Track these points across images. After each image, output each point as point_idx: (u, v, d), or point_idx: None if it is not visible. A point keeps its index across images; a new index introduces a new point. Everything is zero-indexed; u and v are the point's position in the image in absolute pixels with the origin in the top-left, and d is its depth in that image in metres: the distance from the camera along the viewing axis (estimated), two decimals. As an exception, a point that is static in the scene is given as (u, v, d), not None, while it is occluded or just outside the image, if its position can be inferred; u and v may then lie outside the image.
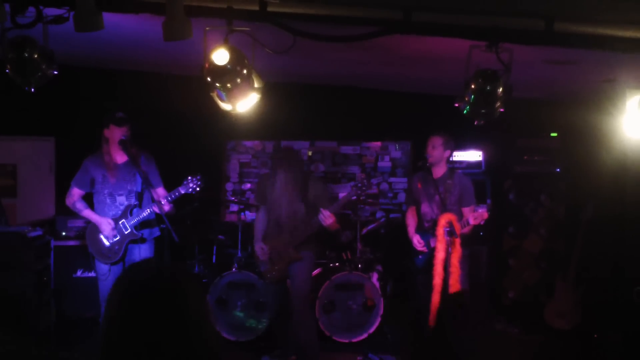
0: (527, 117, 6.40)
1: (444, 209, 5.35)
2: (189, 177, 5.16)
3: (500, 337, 6.74)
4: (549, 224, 7.10)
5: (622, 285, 6.17)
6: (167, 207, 5.16)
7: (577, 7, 3.70)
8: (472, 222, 5.24)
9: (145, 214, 5.21)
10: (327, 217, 5.14)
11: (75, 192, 5.40)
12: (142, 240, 5.31)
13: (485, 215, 5.20)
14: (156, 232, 5.49)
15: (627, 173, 6.04)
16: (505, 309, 7.17)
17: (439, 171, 5.59)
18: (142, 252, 5.33)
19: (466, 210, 5.45)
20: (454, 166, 5.62)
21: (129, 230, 5.22)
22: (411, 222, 5.78)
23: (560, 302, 6.55)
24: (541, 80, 5.40)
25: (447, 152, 5.58)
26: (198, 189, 5.16)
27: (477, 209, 5.30)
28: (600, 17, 3.83)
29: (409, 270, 5.89)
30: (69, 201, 5.42)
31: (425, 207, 5.61)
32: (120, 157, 5.30)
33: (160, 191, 5.33)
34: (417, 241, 5.59)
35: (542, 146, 7.25)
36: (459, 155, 7.12)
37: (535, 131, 7.20)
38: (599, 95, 4.88)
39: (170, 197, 5.19)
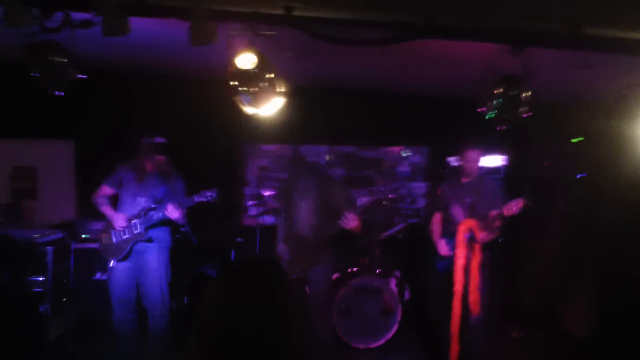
0: (548, 122, 6.36)
1: (473, 213, 5.32)
2: (207, 190, 5.23)
3: (517, 343, 6.70)
4: (566, 228, 7.05)
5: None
6: (177, 214, 5.22)
7: (601, 10, 3.69)
8: (506, 213, 5.12)
9: (157, 217, 5.30)
10: (350, 220, 5.13)
11: (104, 189, 5.52)
12: (149, 240, 5.36)
13: (520, 203, 5.06)
14: (168, 238, 5.54)
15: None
16: (522, 314, 7.13)
17: (472, 174, 5.55)
18: (149, 253, 5.39)
19: (493, 214, 5.40)
20: (484, 171, 5.58)
21: (139, 230, 5.32)
22: (436, 227, 5.74)
23: (578, 308, 6.50)
24: (563, 84, 5.38)
25: (481, 160, 5.57)
26: (213, 200, 5.22)
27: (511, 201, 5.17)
28: (623, 21, 3.81)
29: (428, 276, 5.86)
30: (94, 196, 5.52)
31: (456, 210, 5.56)
32: (152, 168, 5.44)
33: (181, 203, 5.38)
34: (443, 245, 5.55)
35: (563, 151, 7.21)
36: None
37: (556, 135, 7.16)
38: (622, 100, 4.84)
39: (185, 204, 5.26)
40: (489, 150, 6.04)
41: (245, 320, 1.66)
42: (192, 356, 1.69)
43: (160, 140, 5.36)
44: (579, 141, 7.09)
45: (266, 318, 1.67)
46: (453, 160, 7.30)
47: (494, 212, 5.18)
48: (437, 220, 5.77)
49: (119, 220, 5.35)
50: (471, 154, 5.50)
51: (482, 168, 5.60)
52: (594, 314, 6.42)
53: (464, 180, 5.56)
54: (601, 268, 6.48)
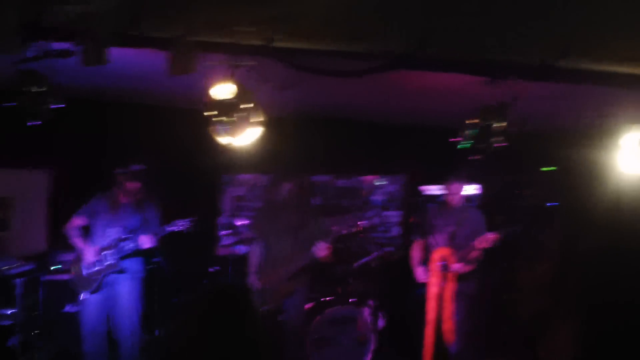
0: (522, 151, 6.47)
1: (452, 243, 5.35)
2: (180, 220, 5.25)
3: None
4: (544, 257, 7.11)
5: (621, 319, 6.16)
6: (149, 244, 5.21)
7: (575, 44, 3.78)
8: (477, 245, 5.22)
9: (129, 248, 5.26)
10: (321, 250, 5.13)
11: (75, 220, 5.46)
12: (121, 272, 5.31)
13: (492, 237, 5.19)
14: (141, 269, 5.50)
15: (622, 207, 6.09)
16: (501, 344, 7.13)
17: (454, 204, 5.62)
18: (122, 285, 5.35)
19: (469, 246, 5.46)
20: (469, 201, 5.68)
21: (110, 261, 5.27)
22: (416, 254, 5.76)
23: (558, 338, 6.53)
24: (538, 115, 5.47)
25: (464, 192, 5.64)
26: (186, 229, 5.24)
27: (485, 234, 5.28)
28: (597, 54, 3.91)
29: (402, 305, 5.87)
30: (66, 227, 5.46)
31: (436, 239, 5.59)
32: (127, 199, 5.39)
33: (154, 233, 5.34)
34: (422, 272, 5.56)
35: (538, 180, 7.32)
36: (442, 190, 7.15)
37: (530, 165, 7.26)
38: (596, 130, 4.95)
39: (158, 234, 5.25)
40: (466, 179, 6.12)
41: (214, 350, 1.64)
42: None
43: (135, 167, 5.33)
44: (552, 170, 7.20)
45: (235, 348, 1.65)
46: (427, 190, 7.36)
47: (470, 245, 5.27)
48: (417, 247, 5.79)
49: (89, 253, 5.30)
50: (454, 186, 5.57)
51: (464, 199, 5.67)
52: (575, 344, 6.45)
53: (447, 209, 5.61)
54: (580, 297, 6.52)
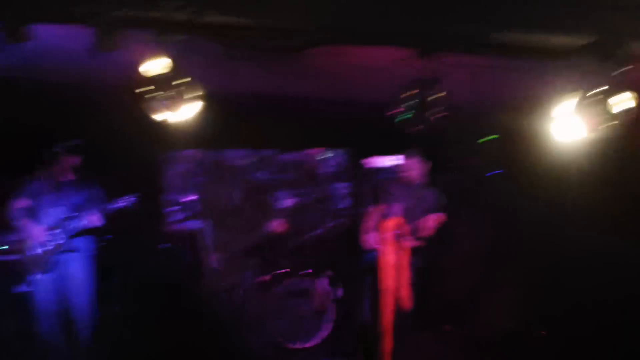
0: (460, 121, 6.52)
1: (408, 216, 5.40)
2: (126, 196, 5.21)
3: (446, 336, 6.82)
4: (488, 224, 7.21)
5: (562, 282, 6.31)
6: (97, 222, 5.19)
7: (507, 16, 3.79)
8: (429, 223, 5.29)
9: (78, 226, 5.22)
10: (276, 225, 5.15)
11: (19, 202, 5.36)
12: (72, 251, 5.29)
13: (442, 217, 5.28)
14: (92, 246, 5.47)
15: (562, 173, 6.20)
16: (450, 309, 7.25)
17: (413, 180, 5.65)
18: (74, 263, 5.32)
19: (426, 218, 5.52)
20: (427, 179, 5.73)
21: (59, 240, 5.23)
22: (372, 219, 5.71)
23: (502, 301, 6.65)
24: (474, 86, 5.50)
25: (423, 168, 5.64)
26: (132, 205, 5.21)
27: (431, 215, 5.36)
28: (532, 25, 3.92)
29: (356, 274, 5.92)
30: (9, 209, 5.36)
31: (393, 209, 5.60)
32: (68, 177, 5.34)
33: (99, 209, 5.29)
34: (373, 238, 5.58)
35: (478, 150, 7.39)
36: (395, 160, 7.17)
37: (469, 136, 7.33)
38: (532, 101, 5.00)
39: (105, 211, 5.21)
40: (395, 148, 6.15)
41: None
42: None
43: (73, 142, 5.29)
44: (491, 139, 7.28)
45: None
46: (371, 162, 7.40)
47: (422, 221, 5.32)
48: (374, 213, 5.74)
49: (36, 233, 5.23)
50: (411, 162, 5.61)
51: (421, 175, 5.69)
52: (518, 307, 6.58)
53: (404, 184, 5.64)
54: (524, 261, 6.66)
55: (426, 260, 5.81)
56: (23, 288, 6.02)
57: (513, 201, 7.09)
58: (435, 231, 5.42)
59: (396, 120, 4.24)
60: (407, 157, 5.64)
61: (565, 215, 6.42)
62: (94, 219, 5.18)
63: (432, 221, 5.31)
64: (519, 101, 5.17)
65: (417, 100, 4.22)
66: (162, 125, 4.39)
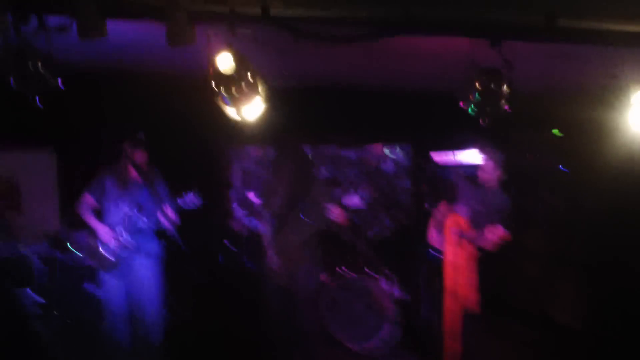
0: (528, 113, 6.38)
1: (477, 220, 5.30)
2: (189, 193, 5.22)
3: (504, 334, 6.71)
4: (550, 219, 7.06)
5: (626, 279, 6.13)
6: (166, 221, 5.23)
7: (579, 2, 3.70)
8: (489, 237, 5.18)
9: (143, 225, 5.29)
10: (335, 213, 5.12)
11: (86, 198, 5.47)
12: (137, 249, 5.35)
13: (502, 232, 5.16)
14: (158, 247, 5.53)
15: (632, 168, 6.01)
16: (508, 305, 7.13)
17: (485, 183, 5.54)
18: (138, 262, 5.38)
19: (490, 227, 5.41)
20: (502, 183, 5.59)
21: (127, 238, 5.30)
22: (436, 218, 5.66)
23: (564, 298, 6.51)
24: (543, 76, 5.39)
25: (498, 172, 5.51)
26: (194, 204, 5.23)
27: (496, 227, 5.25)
28: (602, 12, 3.82)
29: (418, 273, 5.86)
30: (78, 206, 5.48)
31: (458, 209, 5.54)
32: (134, 172, 5.38)
33: (168, 209, 5.33)
34: (434, 236, 5.53)
35: (543, 142, 7.23)
36: (461, 155, 7.09)
37: (535, 127, 7.16)
38: (603, 90, 4.87)
39: (170, 210, 5.26)
40: (460, 141, 6.04)
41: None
42: None
43: (140, 136, 5.35)
44: (558, 134, 7.11)
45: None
46: (438, 156, 7.31)
47: (480, 233, 5.20)
48: (442, 209, 5.68)
49: (103, 231, 5.32)
50: (484, 165, 5.51)
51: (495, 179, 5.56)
52: (582, 304, 6.43)
53: (474, 185, 5.54)
54: (587, 259, 6.50)
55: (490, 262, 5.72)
56: (91, 288, 6.17)
57: (579, 199, 6.93)
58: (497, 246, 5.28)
59: (469, 111, 4.14)
60: (483, 159, 5.52)
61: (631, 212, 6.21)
62: (160, 218, 5.22)
63: (495, 236, 5.18)
64: (592, 91, 5.03)
65: (484, 91, 4.13)
66: (228, 121, 4.41)
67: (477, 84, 4.05)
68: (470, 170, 5.75)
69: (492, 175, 5.46)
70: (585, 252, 6.51)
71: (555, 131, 7.11)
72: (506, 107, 4.17)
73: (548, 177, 7.16)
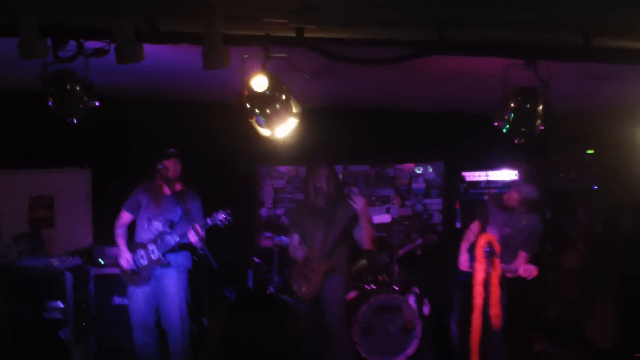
0: (562, 132, 6.33)
1: (506, 246, 5.26)
2: (219, 210, 5.26)
3: (541, 356, 6.62)
4: (587, 239, 6.97)
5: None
6: (196, 238, 5.23)
7: (615, 21, 3.67)
8: (521, 273, 5.16)
9: (175, 242, 5.32)
10: (359, 202, 5.07)
11: (124, 216, 5.57)
12: (168, 265, 5.39)
13: (535, 273, 5.13)
14: (187, 262, 5.57)
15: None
16: (544, 327, 7.05)
17: (513, 207, 5.48)
18: (169, 278, 5.42)
19: (521, 255, 5.36)
20: (534, 209, 5.52)
21: (157, 256, 5.34)
22: (469, 238, 5.63)
23: (601, 320, 6.42)
24: (578, 95, 5.35)
25: (524, 205, 5.44)
26: (227, 222, 5.26)
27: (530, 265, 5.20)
28: (637, 31, 3.78)
29: (448, 291, 5.82)
30: (115, 224, 5.57)
31: (489, 230, 5.48)
32: (168, 189, 5.43)
33: (198, 227, 5.36)
34: (464, 260, 5.50)
35: (578, 162, 7.15)
36: (493, 175, 7.05)
37: (570, 146, 7.10)
38: (636, 109, 4.81)
39: (202, 228, 5.29)
40: (494, 160, 5.98)
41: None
42: None
43: (171, 150, 5.41)
44: (591, 153, 7.02)
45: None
46: (469, 176, 7.26)
47: (513, 266, 5.17)
48: (473, 230, 5.66)
49: (124, 257, 5.40)
50: (514, 189, 5.48)
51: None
52: (618, 325, 6.33)
53: (506, 209, 5.49)
54: (623, 279, 6.40)
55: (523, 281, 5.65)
56: (120, 300, 6.23)
57: (614, 217, 6.83)
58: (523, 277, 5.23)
59: (503, 131, 4.11)
60: (512, 184, 5.48)
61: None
62: (191, 235, 5.24)
63: (522, 270, 5.14)
64: (629, 109, 4.97)
65: (519, 110, 4.09)
66: (259, 141, 4.44)
67: (512, 103, 4.01)
68: (501, 191, 5.71)
69: (518, 199, 5.41)
70: (621, 272, 6.41)
71: (591, 151, 7.03)
72: (541, 127, 4.13)
73: (585, 197, 7.07)
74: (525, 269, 5.14)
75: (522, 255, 5.36)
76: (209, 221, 5.26)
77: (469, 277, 5.36)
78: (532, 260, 5.36)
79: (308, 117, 4.42)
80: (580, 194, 7.09)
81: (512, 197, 5.46)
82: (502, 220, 5.44)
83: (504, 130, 4.12)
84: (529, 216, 5.46)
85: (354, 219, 5.20)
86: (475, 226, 5.66)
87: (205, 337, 1.76)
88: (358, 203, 5.08)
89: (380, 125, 7.34)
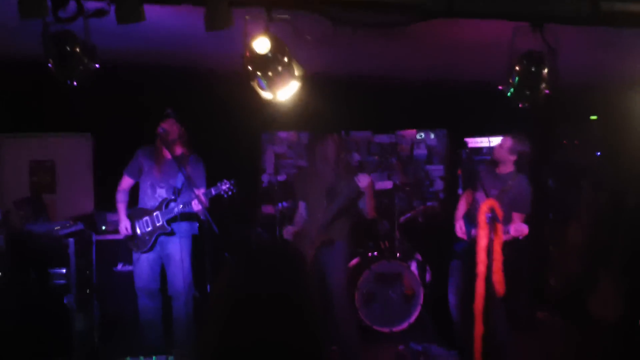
0: (566, 102, 6.27)
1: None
2: (224, 180, 5.22)
3: (542, 326, 6.66)
4: (591, 211, 6.95)
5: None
6: (199, 207, 5.19)
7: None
8: (512, 232, 5.13)
9: (178, 210, 5.30)
10: (363, 180, 5.04)
11: (126, 181, 5.57)
12: (172, 233, 5.39)
13: (526, 231, 5.09)
14: (192, 229, 5.57)
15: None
16: (546, 297, 7.07)
17: (503, 169, 5.45)
18: (173, 244, 5.42)
19: (516, 216, 5.34)
20: (520, 169, 5.47)
21: (161, 222, 5.35)
22: (462, 206, 5.63)
23: (604, 292, 6.43)
24: (584, 64, 5.27)
25: (514, 156, 5.40)
26: (230, 193, 5.22)
27: (521, 224, 5.16)
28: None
29: (448, 258, 5.82)
30: (118, 188, 5.58)
31: (479, 196, 5.48)
32: (169, 153, 5.36)
33: (201, 192, 5.33)
34: (459, 227, 5.50)
35: (582, 131, 7.10)
36: (496, 141, 6.99)
37: (574, 116, 7.04)
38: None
39: (204, 196, 5.26)
40: (497, 128, 5.90)
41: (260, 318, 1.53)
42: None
43: (167, 111, 5.36)
44: (594, 120, 6.96)
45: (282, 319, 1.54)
46: (472, 142, 7.22)
47: (505, 228, 5.14)
48: (465, 199, 5.64)
49: (123, 225, 5.43)
50: (503, 139, 5.42)
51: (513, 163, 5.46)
52: (620, 299, 6.35)
53: (498, 171, 5.47)
54: (627, 252, 6.40)
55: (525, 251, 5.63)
56: (123, 267, 6.25)
57: (619, 190, 6.80)
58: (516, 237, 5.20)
59: (508, 94, 4.06)
60: (501, 144, 5.43)
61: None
62: (195, 204, 5.22)
63: (513, 229, 5.11)
64: (628, 79, 4.91)
65: (524, 74, 4.04)
66: (260, 107, 4.40)
67: (517, 67, 3.96)
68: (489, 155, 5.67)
69: (506, 157, 5.37)
70: (625, 246, 6.40)
71: (594, 117, 6.98)
72: (547, 90, 4.08)
73: (589, 170, 7.03)
74: (516, 229, 5.09)
75: (516, 215, 5.33)
76: (212, 191, 5.22)
77: (465, 244, 5.36)
78: (533, 230, 5.33)
79: (310, 83, 4.37)
80: (584, 164, 7.04)
81: (503, 146, 5.38)
82: (490, 182, 5.41)
83: (508, 94, 4.07)
84: (517, 176, 5.43)
85: (358, 195, 5.18)
86: (468, 194, 5.65)
87: (211, 292, 1.71)
88: (363, 182, 5.05)
89: (382, 92, 7.28)
